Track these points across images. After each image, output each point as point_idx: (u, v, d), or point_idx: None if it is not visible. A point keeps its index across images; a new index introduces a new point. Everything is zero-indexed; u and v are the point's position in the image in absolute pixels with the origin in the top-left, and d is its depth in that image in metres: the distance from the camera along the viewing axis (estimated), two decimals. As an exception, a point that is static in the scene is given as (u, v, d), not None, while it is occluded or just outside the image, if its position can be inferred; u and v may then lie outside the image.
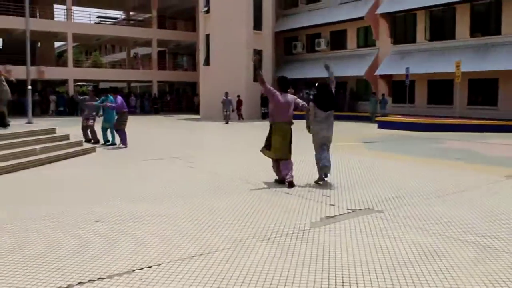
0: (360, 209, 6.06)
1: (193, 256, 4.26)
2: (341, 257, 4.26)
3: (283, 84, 8.09)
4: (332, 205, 6.31)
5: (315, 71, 30.23)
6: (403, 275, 3.83)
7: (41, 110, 34.06)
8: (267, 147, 7.86)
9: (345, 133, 17.68)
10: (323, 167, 7.58)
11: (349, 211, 5.98)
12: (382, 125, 21.12)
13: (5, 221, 5.47)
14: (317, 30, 31.18)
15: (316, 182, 7.72)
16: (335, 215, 5.75)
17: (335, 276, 3.80)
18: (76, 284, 3.64)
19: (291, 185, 7.46)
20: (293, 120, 7.90)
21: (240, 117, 28.10)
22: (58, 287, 3.59)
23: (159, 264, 4.06)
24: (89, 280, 3.71)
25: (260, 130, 20.80)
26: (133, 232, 4.98)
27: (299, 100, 8.14)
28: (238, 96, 27.90)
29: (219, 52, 30.19)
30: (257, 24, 30.05)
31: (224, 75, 29.42)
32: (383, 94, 25.77)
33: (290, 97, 7.98)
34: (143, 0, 40.42)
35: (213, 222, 5.39)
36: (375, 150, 13.17)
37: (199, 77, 33.74)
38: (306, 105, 8.17)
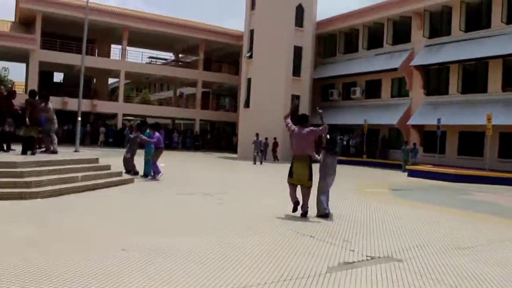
0: (379, 257, 5.99)
1: None
2: None
3: (302, 120, 9.04)
4: (352, 250, 6.25)
5: (349, 118, 31.39)
6: None
7: (91, 140, 36.30)
8: (290, 175, 8.80)
9: (375, 180, 18.06)
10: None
11: (368, 258, 5.91)
12: (412, 173, 21.49)
13: (36, 242, 5.76)
14: (353, 79, 32.47)
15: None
16: (354, 261, 5.66)
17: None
18: None
19: (304, 215, 8.50)
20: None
21: (276, 158, 29.29)
22: None
23: None
24: None
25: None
26: (156, 264, 5.07)
27: (316, 128, 8.85)
28: (275, 138, 29.08)
29: (259, 95, 31.55)
30: (297, 71, 31.50)
31: (263, 117, 30.69)
32: (414, 144, 26.11)
33: (307, 129, 8.74)
34: (192, 44, 42.84)
35: (230, 261, 5.39)
36: (402, 198, 13.09)
37: (239, 117, 35.28)
38: (325, 126, 8.94)
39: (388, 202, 12.01)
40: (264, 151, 27.93)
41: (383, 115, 29.54)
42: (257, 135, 26.12)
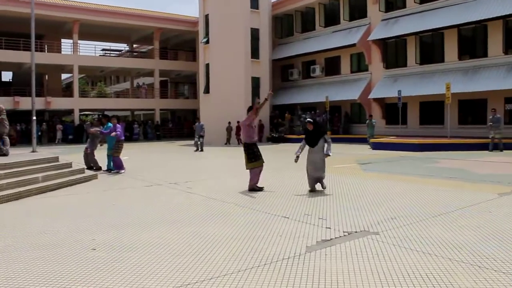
0: (356, 232, 6.03)
1: (187, 285, 4.19)
2: (337, 281, 4.22)
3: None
4: (328, 228, 6.26)
5: (311, 96, 31.43)
6: None
7: (48, 138, 35.18)
8: (258, 158, 9.92)
9: (342, 156, 18.07)
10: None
11: (345, 233, 5.95)
12: (377, 146, 21.79)
13: (2, 250, 5.46)
14: (312, 57, 32.39)
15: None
16: (331, 238, 5.71)
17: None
18: None
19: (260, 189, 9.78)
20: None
21: (240, 141, 29.07)
22: None
23: None
24: None
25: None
26: (128, 260, 4.91)
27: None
28: (238, 122, 28.84)
29: (218, 81, 31.23)
30: (255, 53, 31.20)
31: (223, 102, 30.43)
32: (370, 116, 25.38)
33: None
34: (146, 33, 41.92)
35: (208, 248, 5.32)
36: (370, 171, 13.08)
37: (200, 104, 34.80)
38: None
39: (357, 176, 12.00)
40: (229, 135, 27.62)
41: (344, 91, 29.68)
42: (197, 119, 24.93)
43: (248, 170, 9.94)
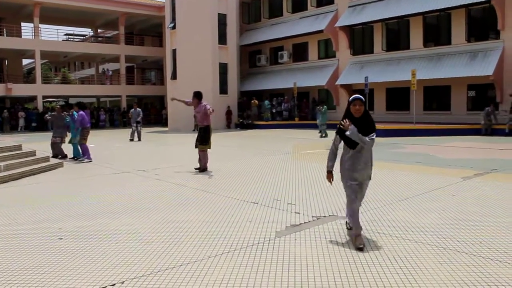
0: (324, 216, 6.08)
1: (157, 272, 4.17)
2: (307, 265, 4.25)
3: (199, 96, 11.00)
4: (297, 213, 6.30)
5: (279, 82, 31.50)
6: (368, 281, 3.86)
7: (11, 126, 34.20)
8: (207, 142, 10.72)
9: (310, 142, 18.26)
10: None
11: (314, 218, 5.99)
12: (344, 132, 21.95)
13: None
14: (280, 43, 32.41)
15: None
16: (300, 223, 5.75)
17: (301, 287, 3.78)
18: None
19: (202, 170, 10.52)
20: None
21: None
22: None
23: (123, 282, 3.96)
24: None
25: (226, 139, 21.59)
26: (98, 249, 4.84)
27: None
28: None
29: (185, 66, 30.89)
30: (222, 39, 30.93)
31: (191, 88, 29.68)
32: (322, 102, 24.34)
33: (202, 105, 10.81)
34: (111, 18, 40.99)
35: (177, 235, 5.28)
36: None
37: (167, 90, 34.41)
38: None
39: (325, 162, 11.98)
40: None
41: (312, 77, 29.84)
42: (133, 105, 23.42)
43: (203, 152, 10.74)
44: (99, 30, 48.45)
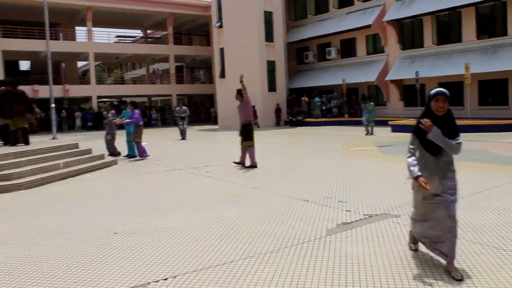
0: (376, 214, 5.96)
1: (208, 267, 4.21)
2: (358, 264, 4.18)
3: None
4: (348, 211, 6.20)
5: (327, 79, 31.21)
6: (422, 282, 3.74)
7: (68, 126, 35.63)
8: (250, 138, 10.92)
9: (359, 138, 18.02)
10: None
11: (366, 216, 5.89)
12: (396, 128, 21.47)
13: (27, 235, 5.57)
14: (327, 39, 32.06)
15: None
16: (352, 221, 5.66)
17: (353, 286, 3.71)
18: None
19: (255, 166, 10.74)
20: None
21: (256, 125, 29.14)
22: None
23: (175, 276, 4.02)
24: None
25: (276, 136, 21.63)
26: (151, 244, 4.96)
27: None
28: (253, 106, 28.79)
29: (233, 65, 31.12)
30: (269, 36, 30.98)
31: (239, 86, 30.27)
32: (368, 99, 23.13)
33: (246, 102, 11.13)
34: (160, 18, 41.89)
35: (228, 232, 5.32)
36: (390, 154, 12.82)
37: (216, 89, 34.78)
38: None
39: (376, 159, 11.92)
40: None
41: (361, 73, 29.38)
42: (179, 103, 23.55)
43: (250, 148, 10.95)
44: (148, 31, 49.57)
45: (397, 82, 27.79)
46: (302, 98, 31.63)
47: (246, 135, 10.94)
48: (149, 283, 3.92)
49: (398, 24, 27.73)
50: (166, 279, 3.99)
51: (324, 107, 30.81)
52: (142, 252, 4.73)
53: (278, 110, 31.09)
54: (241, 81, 11.12)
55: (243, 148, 11.05)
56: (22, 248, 5.05)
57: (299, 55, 34.87)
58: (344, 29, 30.03)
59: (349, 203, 6.71)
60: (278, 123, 31.04)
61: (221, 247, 4.81)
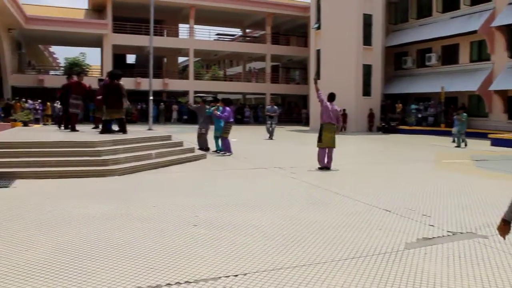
0: (461, 233, 5.62)
1: (279, 268, 4.21)
2: (434, 284, 3.94)
3: (332, 98, 11.26)
4: (431, 225, 5.93)
5: (425, 86, 30.02)
6: None
7: (165, 118, 37.41)
8: (319, 140, 11.09)
9: (454, 150, 17.28)
10: None
11: (449, 233, 5.57)
12: (496, 142, 20.15)
13: (111, 217, 5.92)
14: (428, 44, 30.74)
15: None
16: (433, 237, 5.40)
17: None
18: (165, 285, 3.79)
19: (329, 168, 10.94)
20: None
21: (343, 129, 28.78)
22: (148, 286, 3.79)
23: (245, 274, 4.06)
24: (177, 283, 3.84)
25: (367, 142, 21.23)
26: (227, 239, 5.06)
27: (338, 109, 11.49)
28: (344, 110, 28.43)
29: (329, 67, 30.95)
30: (367, 40, 30.44)
31: (334, 89, 29.78)
32: (460, 108, 21.35)
33: (335, 107, 11.28)
34: (259, 18, 42.65)
35: (304, 235, 5.31)
36: (486, 169, 12.09)
37: (310, 90, 34.74)
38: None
39: (470, 173, 11.27)
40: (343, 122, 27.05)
41: (462, 81, 27.83)
42: (270, 102, 23.01)
43: (332, 150, 11.12)
44: (247, 30, 50.61)
45: (502, 93, 26.04)
46: (396, 104, 30.71)
47: (318, 136, 11.25)
48: (219, 277, 3.99)
49: (508, 30, 25.94)
50: (236, 275, 4.04)
51: (420, 115, 29.68)
52: (217, 246, 4.85)
53: (371, 115, 30.47)
54: (315, 83, 12.10)
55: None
56: (109, 229, 5.39)
57: (397, 60, 33.82)
58: (446, 35, 28.61)
59: (433, 217, 6.40)
60: (370, 129, 30.42)
61: (295, 249, 4.82)
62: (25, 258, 4.35)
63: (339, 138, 11.71)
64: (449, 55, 29.89)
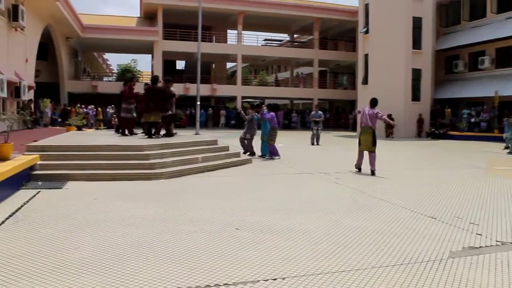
0: (511, 243, 5.44)
1: (318, 274, 4.22)
2: None
3: (372, 103, 11.61)
4: (479, 234, 5.77)
5: (478, 90, 29.12)
6: None
7: (213, 123, 37.96)
8: (359, 144, 11.53)
9: (507, 157, 16.77)
10: None
11: (498, 243, 5.39)
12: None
13: (155, 219, 6.09)
14: (481, 47, 29.78)
15: None
16: (480, 246, 5.25)
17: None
18: (204, 287, 3.86)
19: (373, 173, 11.04)
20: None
21: (390, 134, 28.37)
22: (188, 287, 3.86)
23: (284, 278, 4.09)
24: (216, 285, 3.90)
25: (415, 148, 20.81)
26: (269, 243, 5.11)
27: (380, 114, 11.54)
28: (390, 115, 27.93)
29: (377, 72, 30.56)
30: (417, 43, 29.85)
31: (382, 94, 29.41)
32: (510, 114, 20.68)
33: (374, 110, 11.45)
34: (306, 23, 42.63)
35: (346, 240, 5.31)
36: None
37: (358, 95, 34.39)
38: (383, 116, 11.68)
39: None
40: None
41: (518, 85, 26.81)
42: (315, 107, 22.82)
43: (371, 154, 11.30)
44: (294, 35, 50.63)
45: (561, 97, 24.92)
46: (446, 109, 29.91)
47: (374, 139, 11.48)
48: (258, 280, 4.03)
49: None
50: (275, 279, 4.07)
51: (472, 120, 28.77)
52: (259, 249, 4.91)
53: (420, 121, 29.82)
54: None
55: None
56: (153, 231, 5.57)
57: (448, 63, 32.92)
58: (501, 36, 27.63)
59: (481, 226, 6.22)
60: (419, 134, 29.77)
61: (336, 254, 4.84)
62: (73, 256, 4.56)
63: (386, 144, 11.64)
64: (504, 57, 28.81)
